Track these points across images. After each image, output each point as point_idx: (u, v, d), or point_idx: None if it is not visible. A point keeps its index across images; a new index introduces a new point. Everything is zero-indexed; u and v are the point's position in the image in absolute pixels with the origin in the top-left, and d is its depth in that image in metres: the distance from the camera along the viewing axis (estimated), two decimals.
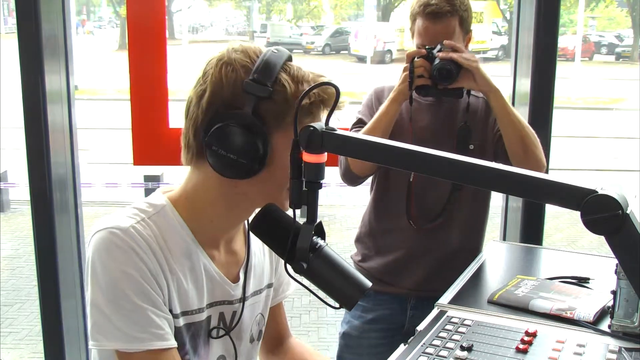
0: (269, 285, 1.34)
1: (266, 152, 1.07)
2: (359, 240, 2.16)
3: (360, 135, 1.02)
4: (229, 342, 1.23)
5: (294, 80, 1.08)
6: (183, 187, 1.17)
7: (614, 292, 1.35)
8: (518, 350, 1.27)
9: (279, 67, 1.08)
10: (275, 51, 1.10)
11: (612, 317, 1.36)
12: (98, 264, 1.04)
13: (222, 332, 1.21)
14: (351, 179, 2.02)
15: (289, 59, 1.12)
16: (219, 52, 1.12)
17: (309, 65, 1.13)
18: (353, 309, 2.03)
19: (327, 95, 1.08)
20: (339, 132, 0.99)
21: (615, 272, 1.34)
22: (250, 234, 1.24)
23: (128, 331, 1.03)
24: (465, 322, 1.40)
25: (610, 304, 1.37)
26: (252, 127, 1.05)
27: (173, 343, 1.07)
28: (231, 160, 1.06)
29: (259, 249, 1.32)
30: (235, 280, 1.23)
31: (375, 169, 2.02)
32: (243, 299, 1.23)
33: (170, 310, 1.10)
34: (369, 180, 2.11)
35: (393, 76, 2.11)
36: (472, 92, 1.99)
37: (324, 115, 1.10)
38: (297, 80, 1.08)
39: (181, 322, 1.12)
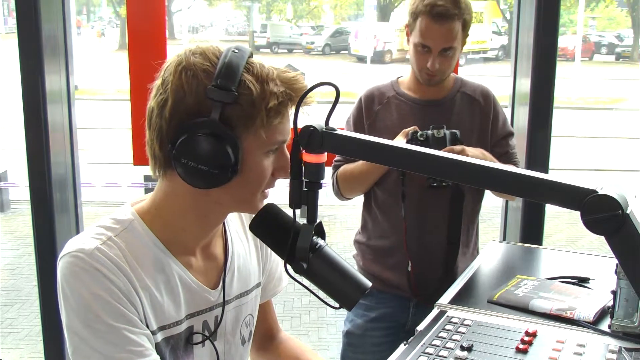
0: (258, 285, 1.32)
1: (237, 158, 1.02)
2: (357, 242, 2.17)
3: (360, 135, 1.02)
4: (218, 348, 1.21)
5: (259, 80, 1.03)
6: (152, 198, 1.14)
7: (614, 292, 1.35)
8: (518, 350, 1.27)
9: (241, 68, 1.03)
10: (236, 51, 1.05)
11: (612, 317, 1.36)
12: (67, 289, 1.03)
13: (204, 339, 1.19)
14: (341, 199, 2.09)
15: (251, 56, 1.07)
16: (177, 57, 1.06)
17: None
18: (355, 307, 2.03)
19: (293, 92, 1.04)
20: (339, 132, 0.99)
21: (615, 272, 1.34)
22: (231, 236, 1.24)
23: (106, 352, 1.02)
24: (465, 322, 1.40)
25: (610, 304, 1.37)
26: (220, 135, 1.01)
27: (154, 358, 1.06)
28: (202, 171, 1.02)
29: (244, 250, 1.28)
30: (216, 285, 1.20)
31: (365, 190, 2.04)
32: (223, 304, 1.20)
33: (147, 327, 1.08)
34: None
35: (392, 76, 2.11)
36: (464, 90, 2.01)
37: (291, 111, 1.06)
38: (262, 80, 1.03)
39: (159, 337, 1.11)
